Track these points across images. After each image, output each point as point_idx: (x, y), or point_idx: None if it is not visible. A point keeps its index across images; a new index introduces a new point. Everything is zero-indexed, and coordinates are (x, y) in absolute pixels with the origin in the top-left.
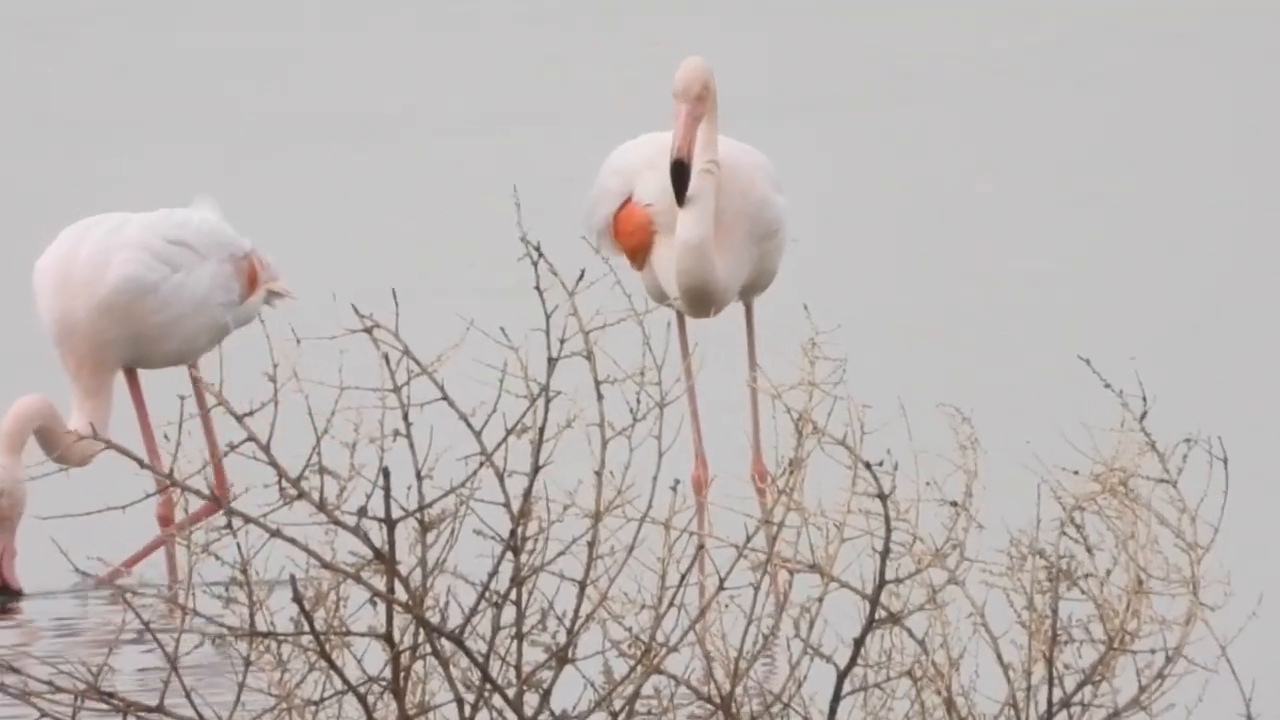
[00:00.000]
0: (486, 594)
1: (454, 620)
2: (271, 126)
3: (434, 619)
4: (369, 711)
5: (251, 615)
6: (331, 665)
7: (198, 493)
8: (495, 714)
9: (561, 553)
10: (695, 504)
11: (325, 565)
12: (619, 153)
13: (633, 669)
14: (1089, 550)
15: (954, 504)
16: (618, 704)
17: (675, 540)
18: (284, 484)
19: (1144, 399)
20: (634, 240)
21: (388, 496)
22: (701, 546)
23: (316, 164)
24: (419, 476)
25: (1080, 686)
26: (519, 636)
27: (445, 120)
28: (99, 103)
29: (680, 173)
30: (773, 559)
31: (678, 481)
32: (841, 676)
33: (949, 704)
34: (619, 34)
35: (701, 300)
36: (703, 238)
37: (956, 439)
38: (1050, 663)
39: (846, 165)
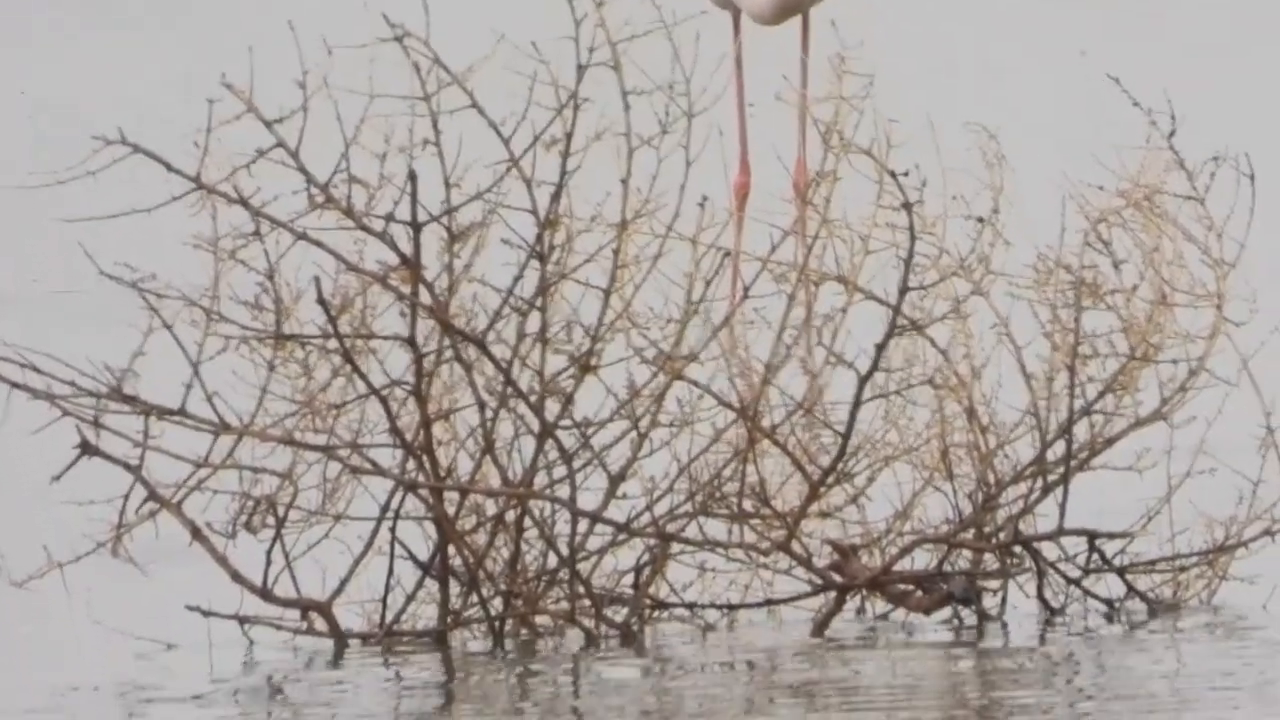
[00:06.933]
0: (510, 299)
1: (478, 328)
2: None
3: (459, 325)
4: (391, 415)
5: (278, 320)
6: (355, 369)
7: (225, 196)
8: (517, 419)
9: (587, 260)
10: (734, 214)
11: (351, 268)
12: None
13: (654, 375)
14: (1115, 265)
15: (979, 219)
16: (639, 411)
17: (702, 256)
18: (312, 190)
19: (1172, 117)
20: None
21: (414, 201)
22: (727, 254)
23: None
24: (447, 184)
25: (1101, 394)
26: (543, 342)
27: None
28: None
29: None
30: (797, 269)
31: (705, 198)
32: (862, 381)
33: (969, 412)
34: None
35: (794, 9)
36: None
37: (984, 157)
38: (1073, 372)
39: None
